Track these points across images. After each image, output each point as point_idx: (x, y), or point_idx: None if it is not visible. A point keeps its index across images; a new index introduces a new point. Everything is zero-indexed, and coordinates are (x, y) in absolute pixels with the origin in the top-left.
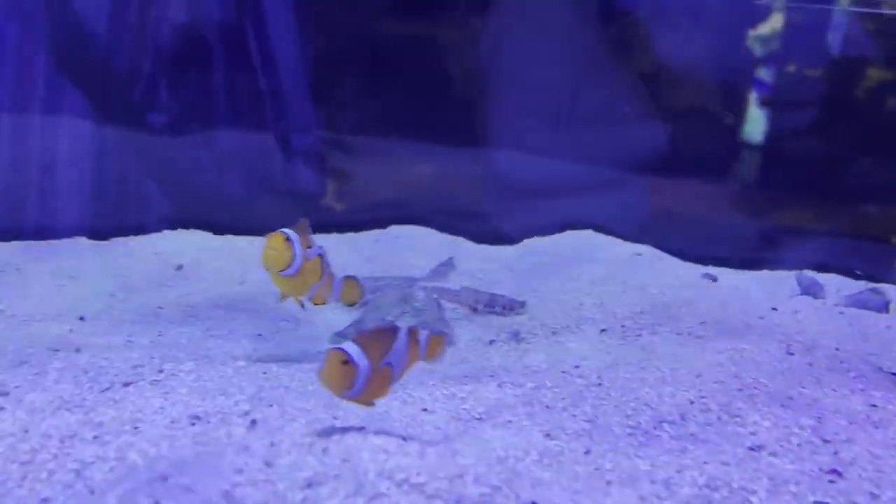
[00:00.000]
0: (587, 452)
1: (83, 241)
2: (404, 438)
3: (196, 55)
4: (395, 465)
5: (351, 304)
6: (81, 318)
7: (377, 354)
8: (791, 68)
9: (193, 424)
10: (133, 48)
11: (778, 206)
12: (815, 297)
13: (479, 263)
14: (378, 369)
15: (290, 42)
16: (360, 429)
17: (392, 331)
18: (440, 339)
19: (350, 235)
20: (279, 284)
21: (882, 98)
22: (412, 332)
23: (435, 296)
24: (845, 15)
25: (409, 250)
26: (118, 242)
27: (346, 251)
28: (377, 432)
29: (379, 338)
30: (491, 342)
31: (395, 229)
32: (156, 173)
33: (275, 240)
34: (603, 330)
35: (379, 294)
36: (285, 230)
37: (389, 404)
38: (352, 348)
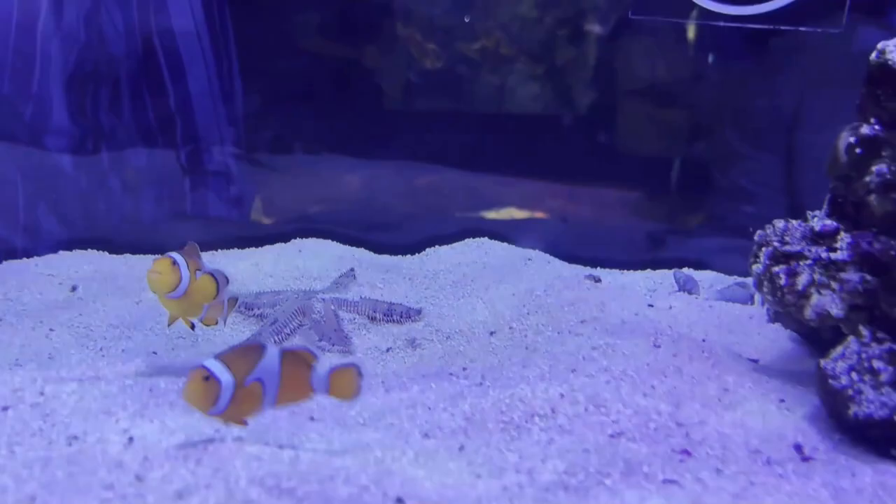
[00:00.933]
0: (461, 449)
1: None
2: (281, 447)
3: (98, 72)
4: (268, 472)
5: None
6: None
7: (242, 370)
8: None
9: (70, 445)
10: (23, 66)
11: (662, 208)
12: (690, 293)
13: (380, 273)
14: (244, 385)
15: (201, 58)
16: (239, 440)
17: (260, 348)
18: (350, 373)
19: (251, 250)
20: (167, 307)
21: (754, 103)
22: (290, 353)
23: (333, 307)
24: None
25: (311, 263)
26: (7, 265)
27: (246, 266)
28: (254, 443)
29: (245, 354)
30: (388, 350)
31: (297, 242)
32: (52, 196)
33: (160, 264)
34: (492, 332)
35: (277, 308)
36: (172, 254)
37: (277, 415)
38: (214, 365)
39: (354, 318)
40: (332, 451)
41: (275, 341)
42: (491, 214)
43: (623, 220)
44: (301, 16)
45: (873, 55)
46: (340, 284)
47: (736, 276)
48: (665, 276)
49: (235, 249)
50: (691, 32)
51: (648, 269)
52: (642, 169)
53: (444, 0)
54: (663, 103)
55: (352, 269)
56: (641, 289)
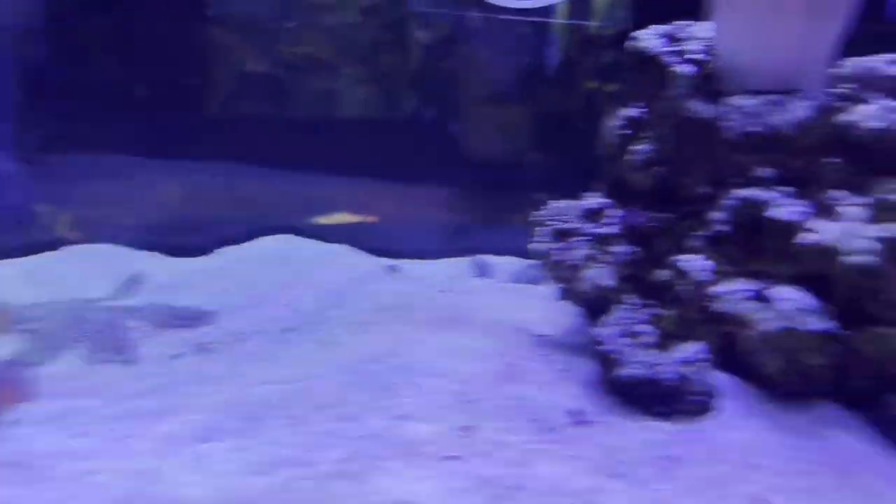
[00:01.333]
0: (239, 450)
1: None
2: (15, 465)
3: None
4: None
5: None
6: None
7: None
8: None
9: None
10: None
11: (466, 202)
12: (487, 277)
13: (171, 277)
14: None
15: None
16: None
17: None
18: (15, 387)
19: (25, 259)
20: None
21: (556, 100)
22: None
23: (115, 315)
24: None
25: (91, 270)
26: None
27: (17, 276)
28: None
29: None
30: (175, 356)
31: (77, 248)
32: None
33: None
34: (287, 329)
35: (50, 320)
36: None
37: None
38: None
39: (140, 326)
40: (90, 461)
41: (46, 356)
42: (300, 214)
43: (429, 215)
44: (108, 8)
45: (630, 43)
46: (125, 290)
47: (532, 260)
48: (464, 264)
49: (7, 259)
50: (502, 33)
51: (449, 258)
52: (450, 166)
53: (269, 3)
54: (480, 103)
55: (137, 274)
56: (441, 276)
